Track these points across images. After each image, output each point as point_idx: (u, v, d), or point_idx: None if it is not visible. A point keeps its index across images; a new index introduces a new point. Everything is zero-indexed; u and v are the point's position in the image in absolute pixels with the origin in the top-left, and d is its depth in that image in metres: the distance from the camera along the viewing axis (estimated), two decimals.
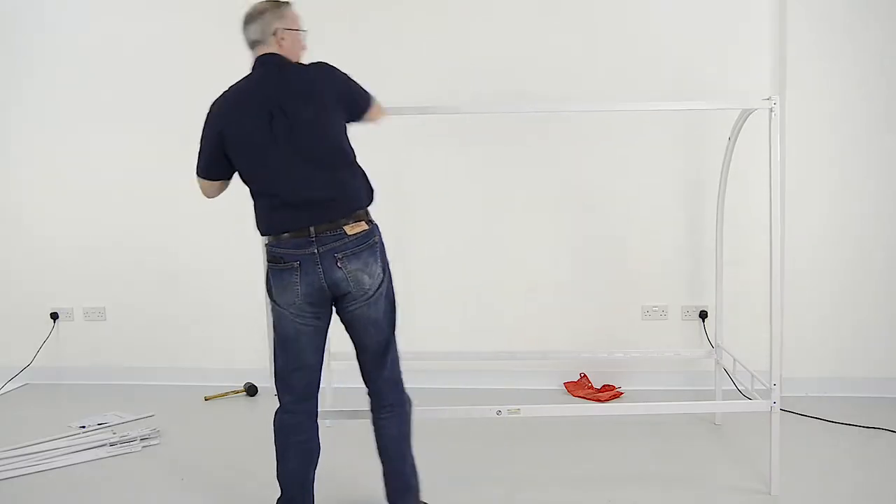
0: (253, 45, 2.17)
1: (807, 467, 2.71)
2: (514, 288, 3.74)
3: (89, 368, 4.05)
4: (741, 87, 3.48)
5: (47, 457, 2.97)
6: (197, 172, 2.22)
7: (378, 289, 2.14)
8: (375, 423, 2.27)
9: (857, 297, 3.52)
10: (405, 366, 3.98)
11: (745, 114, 2.77)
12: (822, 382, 3.55)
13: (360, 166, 2.19)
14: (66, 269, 4.01)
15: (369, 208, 2.18)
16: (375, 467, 2.65)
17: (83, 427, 3.31)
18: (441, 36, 3.66)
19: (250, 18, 2.15)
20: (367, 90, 2.23)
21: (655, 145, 3.59)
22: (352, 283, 2.09)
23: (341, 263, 2.07)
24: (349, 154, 2.15)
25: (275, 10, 2.16)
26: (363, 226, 2.12)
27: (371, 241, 2.12)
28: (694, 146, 3.53)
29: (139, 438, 3.11)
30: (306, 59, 2.22)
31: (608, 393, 3.58)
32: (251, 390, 3.78)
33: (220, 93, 2.16)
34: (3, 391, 3.92)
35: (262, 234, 2.18)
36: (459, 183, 3.71)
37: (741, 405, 2.73)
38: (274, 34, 2.14)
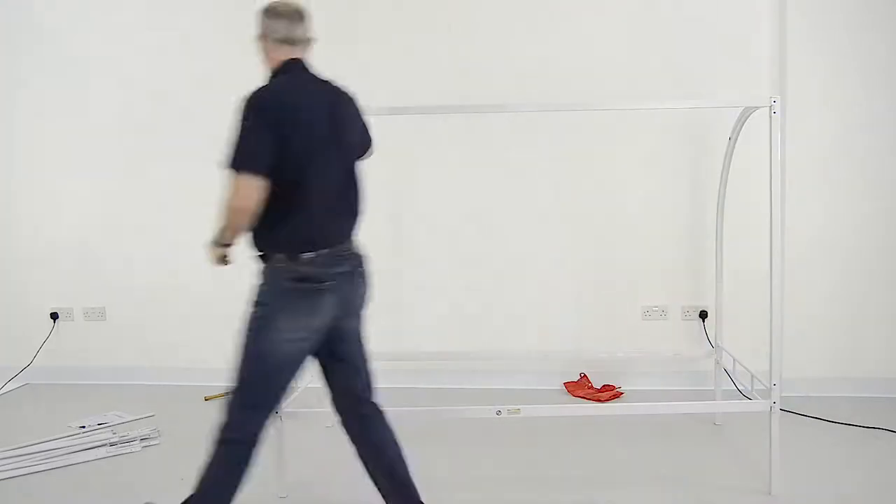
0: (294, 42, 2.03)
1: (806, 467, 2.72)
2: (515, 288, 3.74)
3: (89, 368, 4.04)
4: (741, 87, 3.49)
5: (47, 457, 2.97)
6: (244, 168, 1.88)
7: None
8: (354, 426, 2.35)
9: (858, 298, 3.52)
10: (404, 366, 3.97)
11: (746, 113, 2.77)
12: (822, 382, 3.55)
13: None
14: (66, 269, 4.01)
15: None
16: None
17: (83, 427, 3.31)
18: (443, 36, 3.66)
19: (304, 17, 2.06)
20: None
21: (656, 145, 3.59)
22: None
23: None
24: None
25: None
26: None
27: None
28: (694, 146, 3.53)
29: (139, 438, 3.11)
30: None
31: (608, 393, 3.58)
32: None
33: (263, 88, 1.94)
34: (3, 391, 3.92)
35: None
36: (459, 183, 3.71)
37: (741, 405, 2.73)
38: (309, 41, 2.09)
